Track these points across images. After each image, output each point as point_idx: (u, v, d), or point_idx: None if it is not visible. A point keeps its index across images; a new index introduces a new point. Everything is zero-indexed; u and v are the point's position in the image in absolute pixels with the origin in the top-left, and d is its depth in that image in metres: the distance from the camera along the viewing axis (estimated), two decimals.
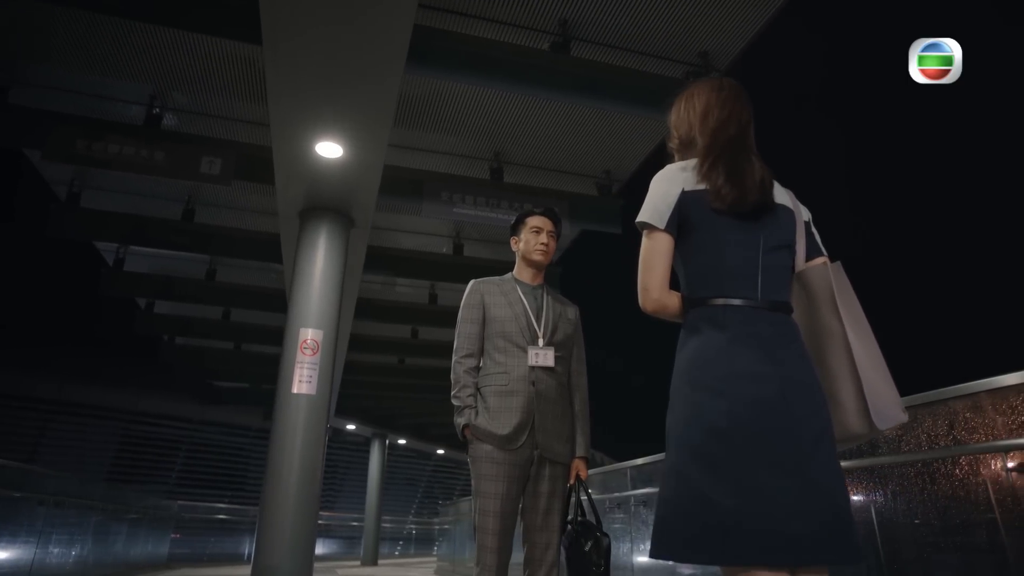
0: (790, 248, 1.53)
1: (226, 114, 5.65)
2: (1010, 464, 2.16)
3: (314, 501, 4.59)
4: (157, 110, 5.45)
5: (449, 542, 13.85)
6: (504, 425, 2.34)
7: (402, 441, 18.54)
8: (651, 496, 5.06)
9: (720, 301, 1.43)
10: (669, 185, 1.51)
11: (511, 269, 2.64)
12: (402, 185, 5.91)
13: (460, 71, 4.59)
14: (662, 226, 1.47)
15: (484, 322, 2.52)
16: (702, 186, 1.48)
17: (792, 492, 1.26)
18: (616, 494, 5.17)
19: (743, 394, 1.33)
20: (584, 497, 2.44)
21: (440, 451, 21.16)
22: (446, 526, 16.11)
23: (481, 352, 2.52)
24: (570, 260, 8.38)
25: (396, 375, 12.54)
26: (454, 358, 2.51)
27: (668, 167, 1.57)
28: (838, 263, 1.56)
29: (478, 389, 2.46)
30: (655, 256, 1.48)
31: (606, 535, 2.33)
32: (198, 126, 5.80)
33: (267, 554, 4.33)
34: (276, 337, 9.49)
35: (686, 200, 1.48)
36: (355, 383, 11.82)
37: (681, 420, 1.40)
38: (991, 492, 2.24)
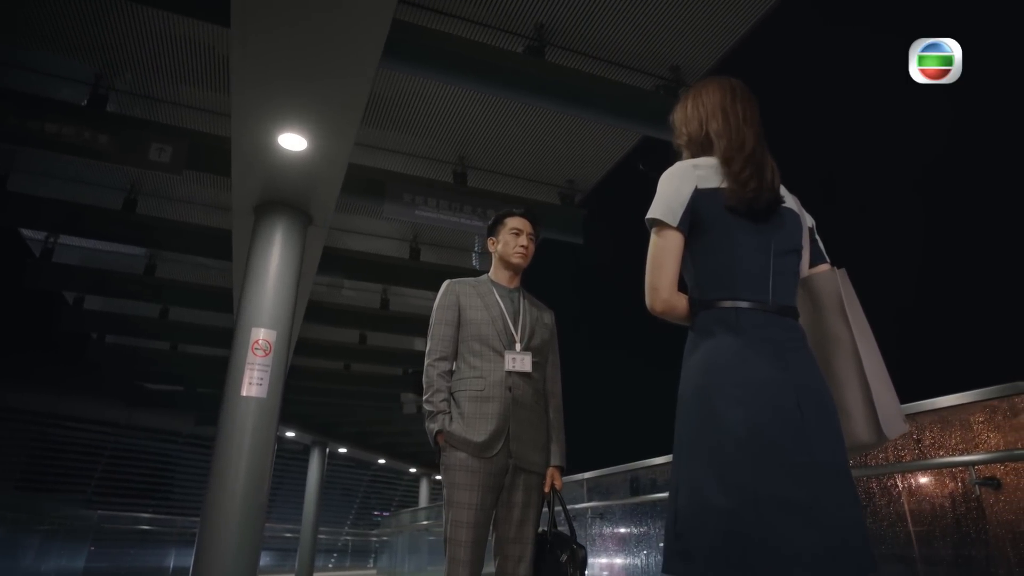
0: (798, 253, 1.51)
1: (179, 100, 5.33)
2: (975, 477, 2.22)
3: (260, 511, 4.33)
4: (103, 90, 5.09)
5: (390, 554, 13.51)
6: (480, 432, 2.25)
7: (343, 450, 18.02)
8: (607, 508, 5.05)
9: (731, 304, 1.40)
10: (681, 182, 1.47)
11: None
12: (363, 184, 5.74)
13: (432, 68, 4.49)
14: (675, 223, 1.43)
15: (459, 324, 2.43)
16: (716, 184, 1.45)
17: (809, 503, 1.23)
18: (570, 506, 5.11)
19: (761, 402, 1.30)
20: (558, 507, 2.38)
21: (381, 460, 20.68)
22: (385, 538, 15.74)
23: (455, 355, 2.43)
24: (528, 267, 8.34)
25: (341, 381, 12.18)
26: (427, 360, 2.40)
27: (679, 164, 1.53)
28: (843, 270, 1.55)
29: (451, 394, 2.36)
30: (666, 254, 1.43)
31: (582, 547, 2.27)
32: (148, 110, 5.45)
33: (208, 567, 4.05)
34: (217, 337, 9.08)
35: (699, 198, 1.44)
36: (297, 388, 11.40)
37: (696, 428, 1.35)
38: (954, 504, 2.31)
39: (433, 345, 2.40)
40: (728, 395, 1.31)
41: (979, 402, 2.27)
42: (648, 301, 1.45)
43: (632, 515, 4.70)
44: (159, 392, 13.69)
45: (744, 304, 1.39)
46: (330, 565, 20.23)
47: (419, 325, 9.62)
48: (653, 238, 1.46)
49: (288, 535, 17.31)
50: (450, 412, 2.31)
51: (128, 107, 5.43)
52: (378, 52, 3.45)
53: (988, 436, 2.28)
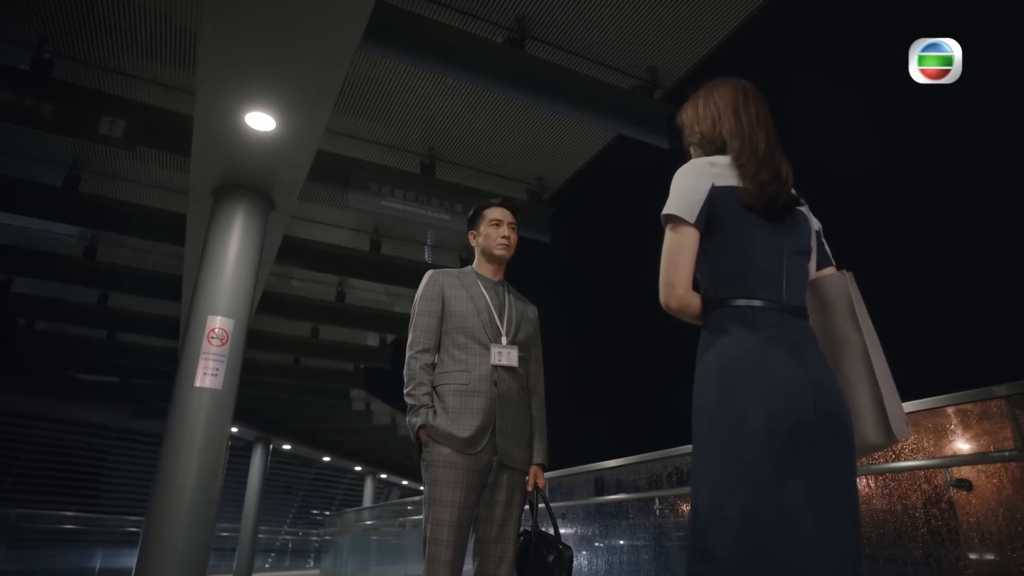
0: (808, 254, 1.53)
1: (135, 72, 5.00)
2: (949, 479, 2.29)
3: (211, 509, 4.11)
4: (48, 55, 4.72)
5: (335, 553, 13.21)
6: (465, 427, 2.18)
7: (287, 446, 17.51)
8: (570, 509, 5.02)
9: (746, 302, 1.39)
10: (698, 179, 1.45)
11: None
12: (328, 171, 5.54)
13: (408, 53, 4.35)
14: (692, 220, 1.41)
15: (443, 316, 2.35)
16: (732, 182, 1.44)
17: (816, 501, 1.24)
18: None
19: (782, 399, 1.29)
20: (542, 506, 2.33)
21: (326, 458, 20.20)
22: (328, 537, 15.38)
23: (438, 348, 2.35)
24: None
25: (289, 375, 11.80)
26: (408, 352, 2.31)
27: (694, 161, 1.52)
28: (851, 273, 1.56)
29: (434, 388, 2.28)
30: (682, 251, 1.41)
31: (568, 547, 2.23)
32: (99, 80, 5.08)
33: (153, 568, 3.80)
34: (159, 326, 8.62)
35: (716, 195, 1.43)
36: (244, 382, 10.99)
37: (716, 425, 1.33)
38: (925, 505, 2.38)
39: (416, 336, 2.32)
40: (750, 392, 1.30)
41: (953, 405, 2.35)
42: (663, 298, 1.43)
43: (596, 516, 4.69)
44: (91, 383, 12.93)
45: (758, 303, 1.39)
46: (267, 565, 19.61)
47: (375, 319, 9.42)
48: (669, 234, 1.44)
49: (225, 534, 16.67)
50: (433, 406, 2.22)
51: (77, 76, 5.06)
52: (359, 32, 3.32)
53: (962, 439, 2.36)
